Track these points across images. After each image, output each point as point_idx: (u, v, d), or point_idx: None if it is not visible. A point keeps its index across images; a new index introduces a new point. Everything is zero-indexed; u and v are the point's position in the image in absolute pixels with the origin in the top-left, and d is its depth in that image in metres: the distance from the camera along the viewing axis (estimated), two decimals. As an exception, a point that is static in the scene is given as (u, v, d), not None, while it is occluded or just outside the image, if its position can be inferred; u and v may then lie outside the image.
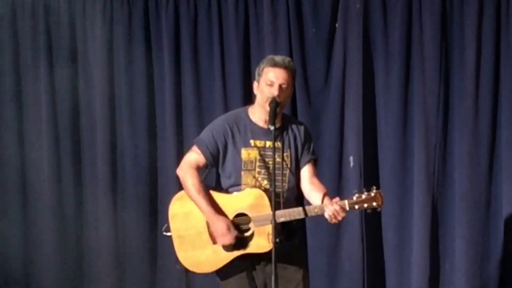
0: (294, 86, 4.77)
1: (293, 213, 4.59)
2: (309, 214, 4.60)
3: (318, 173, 4.85)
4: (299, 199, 4.81)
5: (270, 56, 4.73)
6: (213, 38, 6.29)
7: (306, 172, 4.79)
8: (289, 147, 4.74)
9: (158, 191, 6.39)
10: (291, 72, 4.66)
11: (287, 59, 4.70)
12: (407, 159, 6.23)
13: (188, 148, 4.85)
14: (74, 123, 6.39)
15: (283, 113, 4.77)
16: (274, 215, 4.46)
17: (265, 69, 4.65)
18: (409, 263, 6.23)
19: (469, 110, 6.14)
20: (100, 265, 6.40)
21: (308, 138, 4.82)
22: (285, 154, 4.71)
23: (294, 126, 4.80)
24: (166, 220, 4.83)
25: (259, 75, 4.68)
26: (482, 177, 6.17)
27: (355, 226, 6.22)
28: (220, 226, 4.64)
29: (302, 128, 4.82)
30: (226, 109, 6.16)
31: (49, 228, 6.38)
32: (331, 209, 4.53)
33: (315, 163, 4.85)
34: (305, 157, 4.79)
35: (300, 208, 4.61)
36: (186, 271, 4.90)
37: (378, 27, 6.21)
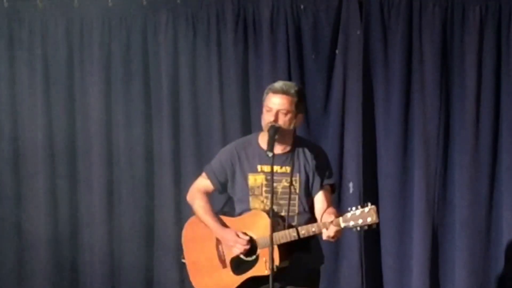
0: (301, 111, 4.69)
1: (292, 233, 4.56)
2: (306, 234, 4.55)
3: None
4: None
5: (274, 83, 4.74)
6: (211, 65, 6.28)
7: (319, 199, 4.72)
8: (299, 172, 4.69)
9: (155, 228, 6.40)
10: (292, 97, 4.62)
11: (288, 85, 4.69)
12: (407, 185, 6.22)
13: (198, 175, 4.90)
14: (70, 155, 6.41)
15: (297, 136, 4.76)
16: (271, 239, 4.44)
17: (267, 96, 4.67)
18: (409, 290, 6.23)
19: (470, 137, 6.15)
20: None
21: (321, 161, 4.74)
22: (293, 179, 4.68)
23: (306, 150, 4.73)
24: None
25: (263, 101, 4.70)
26: (483, 204, 6.17)
27: (354, 251, 6.20)
28: (229, 235, 4.68)
29: (315, 151, 4.76)
30: (224, 137, 6.19)
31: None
32: (326, 234, 4.51)
33: (332, 188, 4.78)
34: (317, 182, 4.71)
35: (295, 228, 4.58)
36: None
37: (378, 54, 6.21)
